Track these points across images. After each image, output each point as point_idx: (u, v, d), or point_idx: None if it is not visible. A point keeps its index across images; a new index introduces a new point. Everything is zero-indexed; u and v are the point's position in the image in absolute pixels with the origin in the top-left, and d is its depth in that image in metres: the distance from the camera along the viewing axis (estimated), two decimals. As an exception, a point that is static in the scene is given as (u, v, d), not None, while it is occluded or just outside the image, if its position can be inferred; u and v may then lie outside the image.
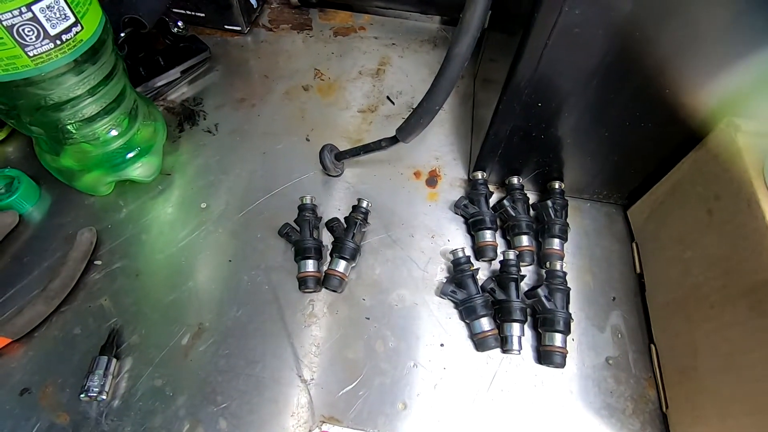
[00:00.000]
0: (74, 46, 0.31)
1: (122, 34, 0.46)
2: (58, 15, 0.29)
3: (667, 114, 0.36)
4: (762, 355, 0.28)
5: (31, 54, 0.29)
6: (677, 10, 0.29)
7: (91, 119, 0.37)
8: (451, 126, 0.53)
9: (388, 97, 0.55)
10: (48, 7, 0.28)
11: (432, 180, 0.49)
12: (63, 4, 0.29)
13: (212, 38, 0.58)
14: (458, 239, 0.44)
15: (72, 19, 0.30)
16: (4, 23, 0.27)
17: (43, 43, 0.29)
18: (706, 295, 0.33)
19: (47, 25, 0.29)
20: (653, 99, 0.34)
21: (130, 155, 0.42)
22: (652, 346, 0.39)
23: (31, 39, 0.28)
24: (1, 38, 0.27)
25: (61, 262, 0.39)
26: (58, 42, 0.30)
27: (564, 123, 0.38)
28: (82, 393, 0.33)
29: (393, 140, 0.41)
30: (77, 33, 0.31)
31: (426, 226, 0.45)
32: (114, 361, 0.35)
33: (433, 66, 0.59)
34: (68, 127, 0.37)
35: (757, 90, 0.32)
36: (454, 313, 0.40)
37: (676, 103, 0.35)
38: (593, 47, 0.32)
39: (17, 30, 0.28)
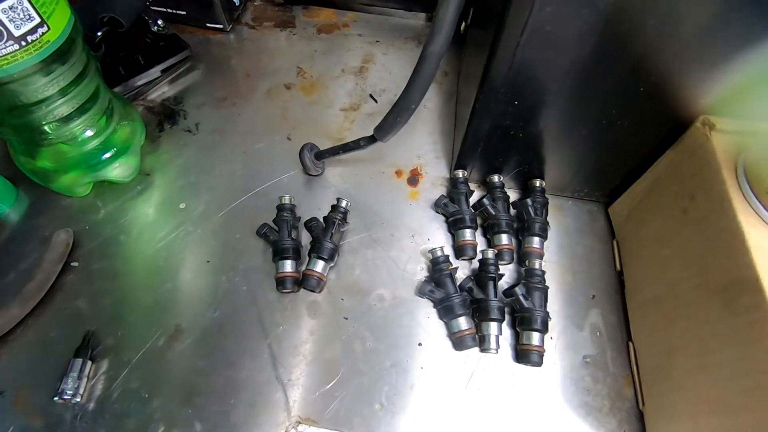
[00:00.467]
0: (40, 47, 0.31)
1: (99, 34, 0.46)
2: (21, 16, 0.29)
3: (644, 111, 0.35)
4: (731, 354, 0.28)
5: (-5, 55, 0.29)
6: (652, 9, 0.28)
7: (67, 119, 0.36)
8: (434, 124, 0.53)
9: (371, 95, 0.55)
10: (11, 7, 0.28)
11: (413, 179, 0.48)
12: (27, 4, 0.29)
13: (194, 37, 0.58)
14: (439, 238, 0.44)
15: (37, 20, 0.30)
16: (-35, 24, 0.27)
17: (7, 44, 0.29)
18: (681, 294, 0.33)
19: (11, 26, 0.28)
20: (629, 97, 0.34)
21: (107, 155, 0.41)
22: (630, 344, 0.39)
23: (-6, 40, 0.28)
24: (-37, 39, 0.27)
25: (36, 264, 0.39)
26: (23, 43, 0.29)
27: (542, 121, 0.38)
28: (55, 396, 0.33)
29: (371, 139, 0.41)
30: (43, 34, 0.30)
31: (407, 226, 0.45)
32: (89, 363, 0.35)
33: (417, 63, 0.58)
34: (44, 127, 0.37)
35: (732, 88, 0.32)
36: (433, 313, 0.40)
37: (652, 100, 0.34)
38: (567, 45, 0.31)
39: (-21, 31, 0.27)
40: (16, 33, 0.29)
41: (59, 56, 0.33)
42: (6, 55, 0.29)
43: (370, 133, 0.41)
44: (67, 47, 0.33)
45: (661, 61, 0.32)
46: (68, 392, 0.33)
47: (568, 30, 0.30)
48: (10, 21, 0.28)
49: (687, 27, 0.29)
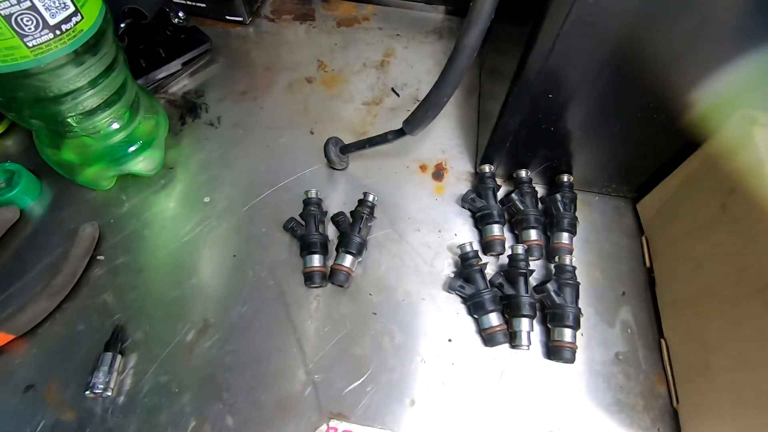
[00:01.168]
0: (74, 36, 0.30)
1: (122, 25, 0.45)
2: (57, 4, 0.28)
3: (681, 106, 0.35)
4: (778, 351, 0.27)
5: (30, 44, 0.28)
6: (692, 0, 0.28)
7: (92, 112, 0.36)
8: (457, 119, 0.52)
9: (393, 89, 0.54)
10: (47, -5, 0.27)
11: (438, 173, 0.48)
12: (62, -8, 0.28)
13: (213, 29, 0.57)
14: (465, 233, 0.44)
15: (72, 9, 0.29)
16: (2, 12, 0.26)
17: (42, 33, 0.28)
18: (719, 291, 0.33)
19: (46, 15, 0.28)
20: (667, 91, 0.34)
21: (132, 149, 0.41)
22: (662, 341, 0.38)
23: (29, 29, 0.28)
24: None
25: (63, 258, 0.38)
26: (58, 32, 0.29)
27: (574, 115, 0.38)
28: (87, 389, 0.33)
29: (399, 133, 0.40)
30: (77, 23, 0.30)
31: (432, 221, 0.44)
32: (119, 357, 0.35)
33: (438, 57, 0.58)
34: (69, 120, 0.36)
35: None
36: (462, 308, 0.40)
37: (690, 95, 0.34)
38: (607, 37, 0.31)
39: (15, 19, 0.27)
40: (52, 21, 0.28)
41: (91, 47, 0.32)
42: (41, 44, 0.28)
43: (393, 127, 0.41)
44: (99, 38, 0.33)
45: (700, 53, 0.31)
46: (99, 386, 0.33)
47: (610, 21, 0.30)
48: (46, 9, 0.28)
49: (725, 18, 0.28)
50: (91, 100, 0.35)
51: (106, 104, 0.37)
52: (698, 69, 0.32)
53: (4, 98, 0.33)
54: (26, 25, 0.27)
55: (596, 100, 0.36)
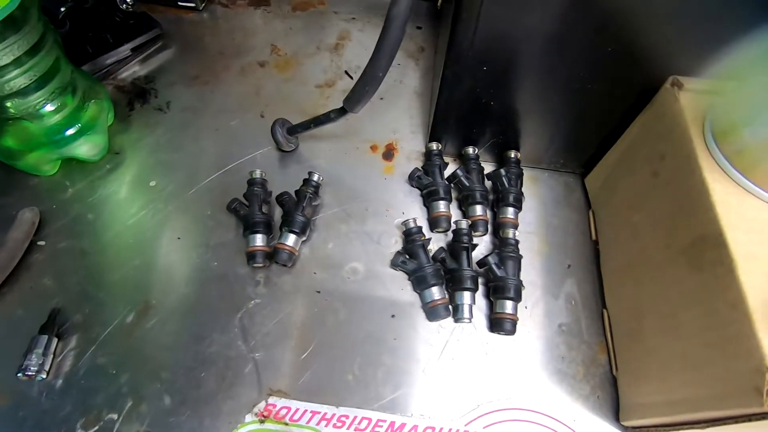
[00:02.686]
0: (-10, 12, 0.30)
1: (62, 9, 0.45)
2: (-35, -23, 0.28)
3: (614, 74, 0.35)
4: (698, 311, 0.27)
5: (-61, 19, 0.28)
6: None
7: (23, 92, 0.35)
8: (411, 100, 0.52)
9: (346, 72, 0.54)
10: (-47, -32, 0.27)
11: (389, 153, 0.48)
12: (-29, -35, 0.28)
13: (166, 16, 0.56)
14: (414, 212, 0.44)
15: (-16, -17, 0.29)
16: None
17: (-48, 7, 0.28)
18: (651, 257, 0.33)
19: (-45, -12, 0.27)
20: (598, 58, 0.34)
21: (70, 132, 0.40)
22: (605, 311, 0.39)
23: (-63, 3, 0.27)
24: None
25: (1, 244, 0.38)
26: (-30, 7, 0.29)
27: (512, 87, 0.38)
28: (19, 372, 0.32)
29: (341, 111, 0.40)
30: (-8, -2, 0.29)
31: (381, 200, 0.44)
32: (55, 340, 0.35)
33: (394, 40, 0.57)
34: (5, 103, 0.36)
35: (699, 46, 0.32)
36: (408, 285, 0.40)
37: (621, 62, 0.34)
38: (533, 4, 0.31)
39: None
40: (-39, -4, 0.28)
41: (11, 24, 0.32)
42: (-50, 19, 0.28)
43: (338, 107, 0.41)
44: (20, 15, 0.32)
45: (629, 19, 0.31)
46: (32, 368, 0.33)
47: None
48: (-48, -18, 0.27)
49: None
50: (19, 79, 0.35)
51: (37, 85, 0.36)
52: (627, 34, 0.32)
53: (-74, 79, 0.32)
54: (-67, -1, 0.27)
55: (531, 70, 0.36)
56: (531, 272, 0.41)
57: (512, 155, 0.44)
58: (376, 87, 0.37)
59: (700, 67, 0.33)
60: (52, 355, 0.34)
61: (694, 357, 0.27)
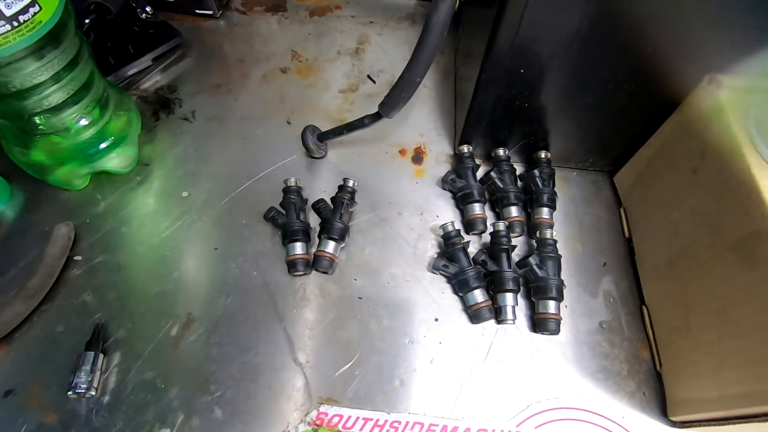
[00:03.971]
0: (33, 28, 0.29)
1: (87, 21, 0.44)
2: (12, -6, 0.27)
3: (650, 74, 0.35)
4: (754, 307, 0.28)
5: (-14, 37, 0.27)
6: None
7: (59, 108, 0.35)
8: (434, 102, 0.52)
9: (368, 76, 0.54)
10: (1, -15, 0.27)
11: (417, 157, 0.48)
12: (17, -19, 0.27)
13: (183, 24, 0.56)
14: (447, 214, 0.44)
15: (28, -1, 0.28)
16: (-46, 3, 0.25)
17: (-2, 24, 0.27)
18: (695, 254, 0.33)
19: (1, 5, 0.27)
20: (635, 59, 0.34)
21: (104, 145, 0.40)
22: (644, 308, 0.39)
23: (-16, 20, 0.27)
24: (-48, 20, 0.26)
25: (38, 260, 0.37)
26: (15, 23, 0.28)
27: (547, 89, 0.38)
28: (69, 390, 0.32)
29: (376, 116, 0.40)
30: (35, 14, 0.29)
31: (414, 203, 0.45)
32: (101, 356, 0.34)
33: (413, 43, 0.56)
34: (35, 118, 0.35)
35: (738, 46, 0.32)
36: (447, 288, 0.40)
37: (658, 62, 0.34)
38: (574, 6, 0.31)
39: (-32, 10, 0.26)
40: (8, 12, 0.27)
41: (51, 39, 0.31)
42: (-3, 36, 0.28)
43: (371, 113, 0.41)
44: (60, 30, 0.32)
45: (666, 20, 0.31)
46: (82, 386, 0.32)
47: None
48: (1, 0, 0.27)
49: None
50: (55, 95, 0.34)
51: (73, 100, 0.36)
52: (665, 35, 0.32)
53: (-36, 96, 0.32)
54: (-19, 17, 0.26)
55: (568, 72, 0.36)
56: (567, 271, 0.41)
57: (543, 155, 0.44)
58: (412, 92, 0.37)
59: (736, 65, 0.33)
60: (99, 372, 0.34)
61: (753, 353, 0.27)
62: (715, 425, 0.31)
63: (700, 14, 0.31)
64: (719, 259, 0.31)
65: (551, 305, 0.37)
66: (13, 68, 0.30)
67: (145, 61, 0.51)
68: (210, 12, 0.57)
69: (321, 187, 0.45)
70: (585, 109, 0.40)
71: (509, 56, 0.35)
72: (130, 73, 0.50)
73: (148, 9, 0.51)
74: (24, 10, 0.28)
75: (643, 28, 0.32)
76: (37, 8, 0.29)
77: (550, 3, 0.31)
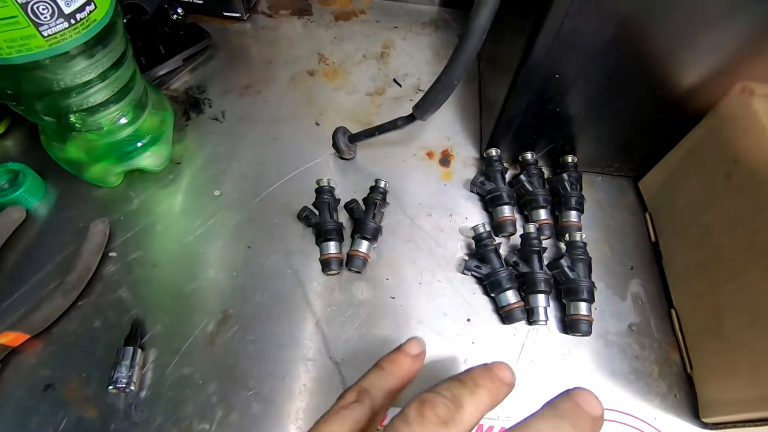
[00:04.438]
0: (88, 25, 0.30)
1: (123, 21, 0.45)
2: (71, -8, 0.28)
3: (682, 80, 0.36)
4: (791, 307, 0.28)
5: (45, 34, 0.28)
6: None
7: (98, 107, 0.35)
8: (458, 107, 0.53)
9: (394, 80, 0.55)
10: (61, -17, 0.27)
11: (445, 160, 0.48)
12: (76, -20, 0.28)
13: (211, 26, 0.57)
14: (475, 216, 0.45)
15: (85, -2, 0.29)
16: (19, 0, 0.26)
17: (57, 21, 0.28)
18: (728, 257, 0.34)
19: (61, 3, 0.28)
20: (669, 65, 0.35)
21: (140, 144, 0.40)
22: (673, 311, 0.40)
23: (45, 17, 0.27)
24: (15, 16, 0.26)
25: (75, 255, 0.38)
26: (72, 21, 0.29)
27: (580, 94, 0.39)
28: (110, 385, 0.32)
29: (410, 118, 0.40)
30: (91, 12, 0.30)
31: (443, 205, 0.45)
32: (139, 351, 0.34)
33: (437, 48, 0.59)
34: (71, 117, 0.36)
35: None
36: (478, 289, 0.40)
37: (691, 68, 0.35)
38: (614, 13, 0.32)
39: (32, 8, 0.26)
40: (67, 10, 0.28)
41: (102, 38, 0.32)
42: (56, 33, 0.28)
43: (397, 116, 0.41)
44: (110, 29, 0.32)
45: (702, 27, 0.32)
46: (123, 380, 0.32)
47: (617, -2, 0.31)
48: (61, -3, 0.27)
49: None
50: (100, 93, 0.35)
51: (115, 99, 0.36)
52: (699, 43, 0.33)
53: (12, 91, 0.32)
54: (42, 14, 0.27)
55: (601, 78, 0.37)
56: (596, 274, 0.41)
57: (570, 160, 0.45)
58: (448, 96, 0.38)
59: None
60: (137, 367, 0.34)
61: (793, 352, 0.28)
62: (749, 426, 0.32)
63: (734, 23, 0.32)
64: (755, 262, 0.31)
65: (583, 307, 0.38)
66: (64, 65, 0.31)
67: (176, 61, 0.51)
68: (237, 14, 0.57)
69: (351, 188, 0.45)
70: (614, 115, 0.41)
71: (546, 62, 0.36)
72: (161, 73, 0.51)
73: (179, 10, 0.51)
74: (81, 8, 0.29)
75: (678, 35, 0.33)
76: (93, 6, 0.30)
77: (589, 11, 0.31)
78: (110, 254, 0.40)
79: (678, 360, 0.38)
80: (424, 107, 0.39)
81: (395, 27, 0.60)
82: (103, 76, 0.34)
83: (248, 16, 0.59)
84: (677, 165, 0.41)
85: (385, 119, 0.43)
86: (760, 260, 0.31)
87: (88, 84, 0.34)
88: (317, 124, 0.50)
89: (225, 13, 0.57)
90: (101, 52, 0.33)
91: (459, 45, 0.35)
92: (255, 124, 0.49)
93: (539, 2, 0.33)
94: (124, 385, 0.32)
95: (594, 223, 0.45)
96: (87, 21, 0.30)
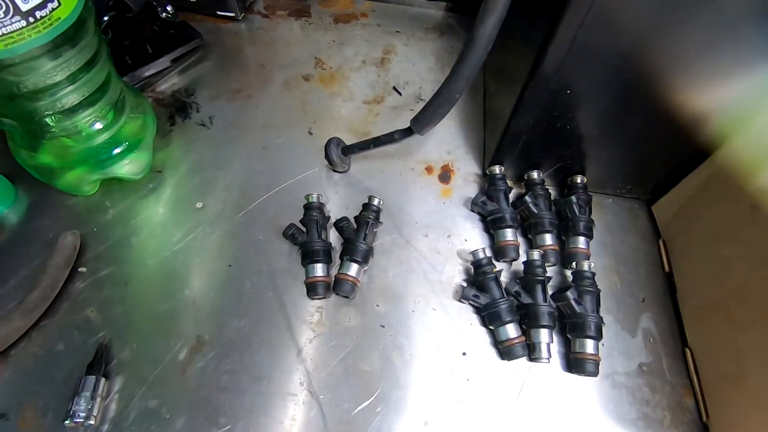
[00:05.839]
0: (50, 24, 0.27)
1: (105, 18, 0.42)
2: (30, -13, 0.25)
3: (703, 101, 0.33)
4: (827, 363, 0.25)
5: (-1, 33, 0.25)
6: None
7: (73, 110, 0.33)
8: (461, 119, 0.50)
9: (394, 88, 0.52)
10: (18, -23, 0.24)
11: (445, 175, 0.45)
12: (36, -26, 0.25)
13: (204, 25, 0.54)
14: (475, 238, 0.42)
15: (47, -7, 0.26)
16: (-34, -5, 0.23)
17: (13, 20, 0.25)
18: (753, 297, 0.31)
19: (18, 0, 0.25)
20: (693, 84, 0.32)
21: (117, 151, 0.38)
22: (687, 350, 0.36)
23: (-2, 15, 0.25)
24: (-37, 13, 0.24)
25: (40, 270, 0.35)
26: (32, 19, 0.26)
27: (592, 112, 0.36)
28: (66, 418, 0.30)
29: (407, 132, 0.37)
30: (53, 10, 0.27)
31: (441, 225, 0.42)
32: (102, 380, 0.32)
33: (440, 54, 0.56)
34: (46, 119, 0.33)
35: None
36: (475, 319, 0.37)
37: (713, 92, 0.32)
38: (631, 29, 0.29)
39: (-18, 3, 0.24)
40: (24, 7, 0.25)
41: (69, 37, 0.29)
42: (12, 32, 0.25)
43: (397, 126, 0.39)
44: (78, 28, 0.29)
45: (726, 50, 0.29)
46: (81, 414, 0.30)
47: (637, 11, 0.28)
48: (17, -7, 0.25)
49: (750, 16, 0.27)
50: (70, 96, 0.32)
51: (89, 102, 0.34)
52: (722, 59, 0.30)
53: (-29, 94, 0.30)
54: (-6, 11, 0.24)
55: (615, 96, 0.34)
56: (604, 306, 0.38)
57: (579, 180, 0.42)
58: (449, 110, 0.35)
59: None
60: (99, 398, 0.31)
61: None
62: (773, 489, 0.28)
63: (760, 37, 0.28)
64: (784, 307, 0.28)
65: (589, 345, 0.34)
66: (27, 67, 0.28)
67: (164, 62, 0.49)
68: (232, 14, 0.55)
69: (343, 203, 0.42)
70: (629, 134, 0.38)
71: (557, 76, 0.33)
72: (147, 74, 0.48)
73: (169, 8, 0.49)
74: (41, 6, 0.26)
75: (699, 50, 0.30)
76: (56, 4, 0.27)
77: (605, 24, 0.28)
78: (80, 269, 0.37)
79: (692, 406, 0.35)
80: (422, 121, 0.36)
81: (397, 31, 0.57)
82: (72, 78, 0.31)
83: (243, 16, 0.56)
84: (696, 190, 0.38)
85: (384, 129, 0.40)
86: (791, 306, 0.28)
87: (56, 86, 0.31)
88: (310, 133, 0.47)
89: (219, 12, 0.55)
90: (69, 53, 0.30)
91: (462, 55, 0.32)
92: (244, 131, 0.46)
93: (552, 11, 0.30)
94: (82, 420, 0.30)
95: (603, 249, 0.42)
96: (49, 20, 0.27)
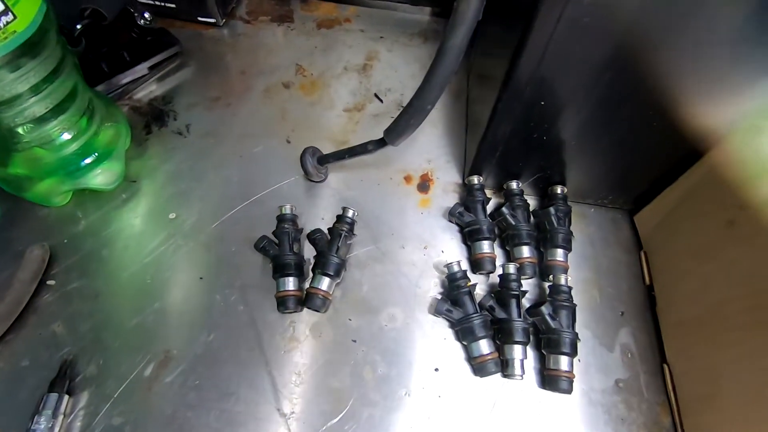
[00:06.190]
0: (5, 38, 0.26)
1: (78, 27, 0.42)
2: (-20, 1, 0.25)
3: (682, 113, 0.32)
4: (800, 388, 0.24)
5: (-51, 47, 0.25)
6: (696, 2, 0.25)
7: (40, 120, 0.32)
8: (443, 125, 0.49)
9: (376, 95, 0.51)
10: (-33, -9, 0.24)
11: (424, 185, 0.45)
12: (-13, -13, 0.24)
13: (184, 31, 0.53)
14: (453, 250, 0.41)
15: (1, 7, 0.26)
16: None
17: (-36, 34, 0.25)
18: (730, 316, 0.30)
19: (-32, 13, 0.24)
20: (667, 97, 0.31)
21: (88, 161, 0.37)
22: (666, 366, 0.36)
23: (-53, 29, 0.24)
24: None
25: (6, 285, 0.34)
26: (-16, 33, 0.25)
27: (568, 123, 0.35)
28: (26, 438, 0.29)
29: (380, 143, 0.37)
30: (8, 23, 0.26)
31: (418, 236, 0.41)
32: (66, 397, 0.31)
33: (425, 61, 0.55)
34: (17, 130, 0.33)
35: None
36: (450, 333, 0.37)
37: (691, 102, 0.31)
38: (604, 41, 0.28)
39: (-72, 18, 0.23)
40: (-25, 21, 0.25)
41: (29, 49, 0.29)
42: (-37, 47, 0.25)
43: (377, 135, 0.38)
44: (38, 39, 0.29)
45: (704, 61, 0.28)
46: (41, 433, 0.29)
47: (608, 23, 0.27)
48: (-34, 7, 0.24)
49: (730, 23, 0.26)
50: (35, 107, 0.32)
51: (56, 112, 0.33)
52: (700, 75, 0.29)
53: (-68, 108, 0.29)
54: (-57, 25, 0.24)
55: (592, 107, 0.33)
56: (582, 320, 0.38)
57: (559, 191, 0.41)
58: (421, 121, 0.34)
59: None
60: (62, 416, 0.31)
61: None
62: None
63: (739, 56, 0.28)
64: (760, 327, 0.27)
65: (564, 361, 0.34)
66: (-16, 80, 0.28)
67: (141, 69, 0.48)
68: (213, 20, 0.54)
69: (319, 214, 0.42)
70: (608, 145, 0.37)
71: (530, 87, 0.32)
72: (124, 81, 0.47)
73: (146, 15, 0.48)
74: (-5, 19, 0.26)
75: (676, 68, 0.29)
76: (10, 17, 0.26)
77: (576, 36, 0.28)
78: (48, 282, 0.36)
79: (669, 425, 0.34)
80: (395, 132, 0.35)
81: (381, 37, 0.57)
82: (35, 90, 0.31)
83: (225, 22, 0.55)
84: (676, 204, 0.37)
85: (363, 138, 0.39)
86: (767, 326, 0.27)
87: (19, 98, 0.31)
88: (288, 141, 0.46)
89: (200, 19, 0.54)
90: (29, 64, 0.29)
91: (432, 66, 0.31)
92: (221, 140, 0.46)
93: (522, 19, 0.29)
94: (42, 438, 0.29)
95: (584, 262, 0.41)
96: (4, 33, 0.26)
